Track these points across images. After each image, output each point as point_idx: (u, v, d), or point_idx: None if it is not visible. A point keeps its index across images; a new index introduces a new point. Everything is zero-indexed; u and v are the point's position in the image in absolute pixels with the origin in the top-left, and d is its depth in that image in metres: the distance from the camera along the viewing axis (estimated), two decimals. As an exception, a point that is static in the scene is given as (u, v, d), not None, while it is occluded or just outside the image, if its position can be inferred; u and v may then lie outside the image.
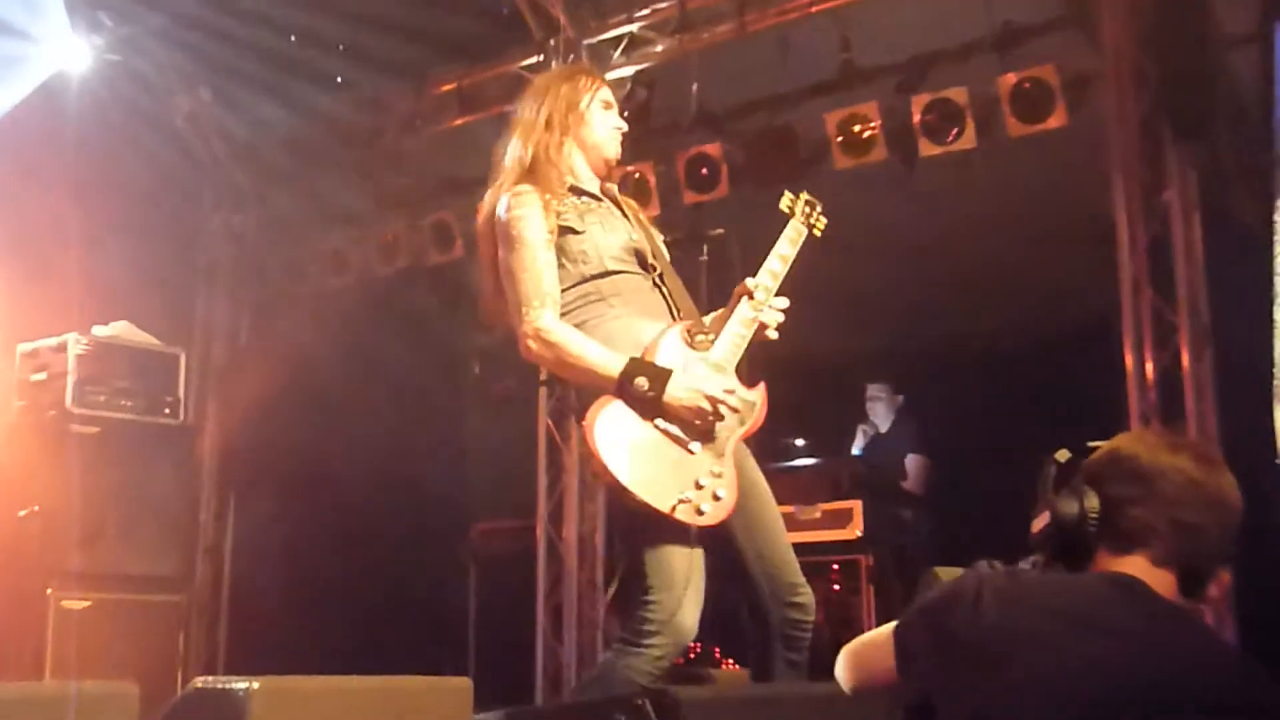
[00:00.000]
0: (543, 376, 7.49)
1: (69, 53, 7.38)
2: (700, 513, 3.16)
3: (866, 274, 7.70)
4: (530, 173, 3.42)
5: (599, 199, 3.49)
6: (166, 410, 6.99)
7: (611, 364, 3.19)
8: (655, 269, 3.43)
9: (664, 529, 3.14)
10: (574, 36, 7.61)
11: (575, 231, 3.35)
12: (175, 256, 8.59)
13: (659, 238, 3.59)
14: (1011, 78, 6.41)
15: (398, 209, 8.52)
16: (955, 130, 6.54)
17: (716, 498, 3.18)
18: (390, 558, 8.60)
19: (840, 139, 6.81)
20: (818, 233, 3.55)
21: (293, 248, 8.89)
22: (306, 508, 8.32)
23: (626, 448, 3.15)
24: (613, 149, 3.58)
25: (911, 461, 7.68)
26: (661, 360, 3.24)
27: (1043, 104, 6.32)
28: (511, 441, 8.08)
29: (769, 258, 3.43)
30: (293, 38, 7.49)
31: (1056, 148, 6.53)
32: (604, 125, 3.56)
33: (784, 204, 3.56)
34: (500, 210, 3.36)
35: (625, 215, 3.51)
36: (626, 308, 3.35)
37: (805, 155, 6.99)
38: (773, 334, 3.34)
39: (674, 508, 3.12)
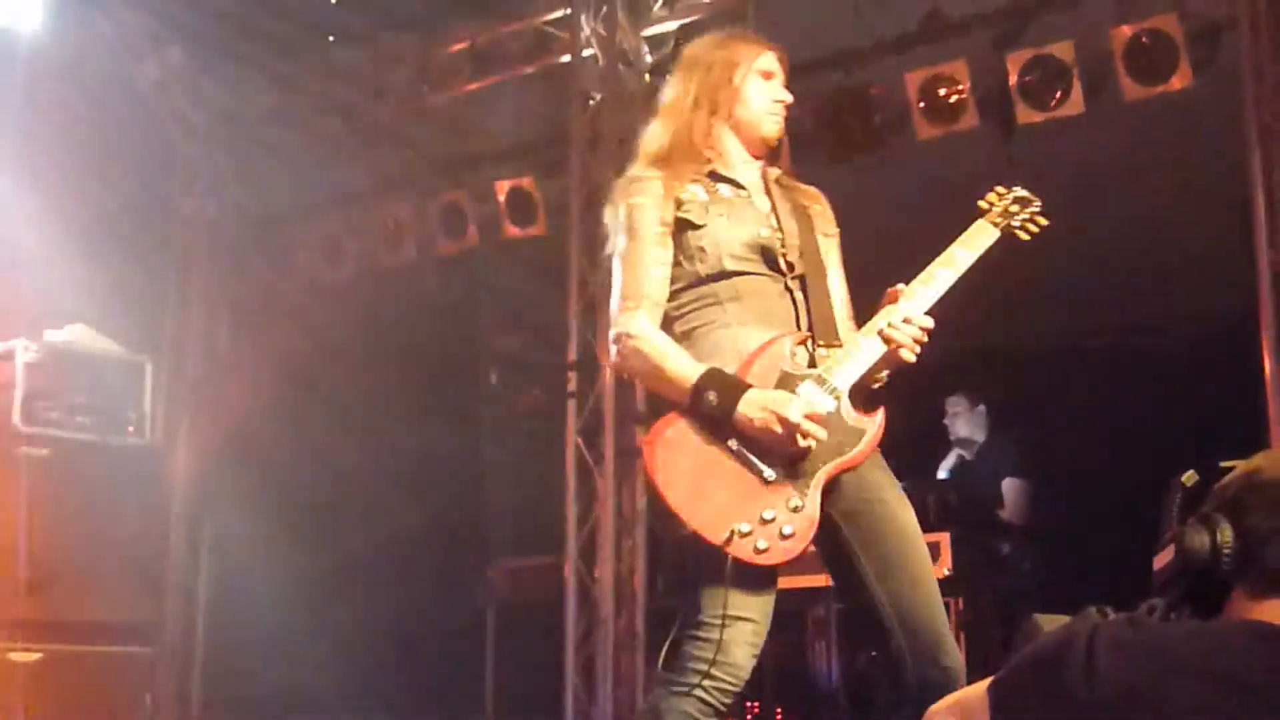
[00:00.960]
0: (571, 387, 7.55)
1: (16, 8, 7.31)
2: (759, 550, 3.20)
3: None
4: (664, 160, 3.56)
5: (741, 187, 3.58)
6: (130, 429, 7.03)
7: (690, 375, 3.30)
8: (792, 270, 3.50)
9: (720, 562, 3.19)
10: (609, -16, 7.67)
11: (695, 225, 3.47)
12: (141, 248, 8.59)
13: (827, 232, 3.66)
14: (1126, 30, 6.38)
15: (402, 189, 8.59)
16: (1059, 93, 6.52)
17: (784, 535, 3.22)
18: (395, 600, 8.63)
19: (923, 103, 6.82)
20: (1025, 235, 3.57)
21: (279, 236, 8.96)
22: (296, 542, 8.34)
23: (686, 468, 3.25)
24: (770, 125, 3.64)
25: (1009, 486, 7.67)
26: (756, 374, 3.33)
27: (1164, 61, 6.29)
28: (536, 464, 8.15)
29: (935, 262, 3.47)
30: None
31: (1180, 113, 6.50)
32: (760, 98, 3.63)
33: (988, 200, 3.60)
34: (617, 196, 3.54)
35: (774, 205, 3.58)
36: (743, 314, 3.45)
37: (882, 122, 7.01)
38: (908, 355, 3.37)
39: (728, 540, 3.18)
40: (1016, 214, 3.57)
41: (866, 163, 7.12)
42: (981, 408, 8.03)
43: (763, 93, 3.63)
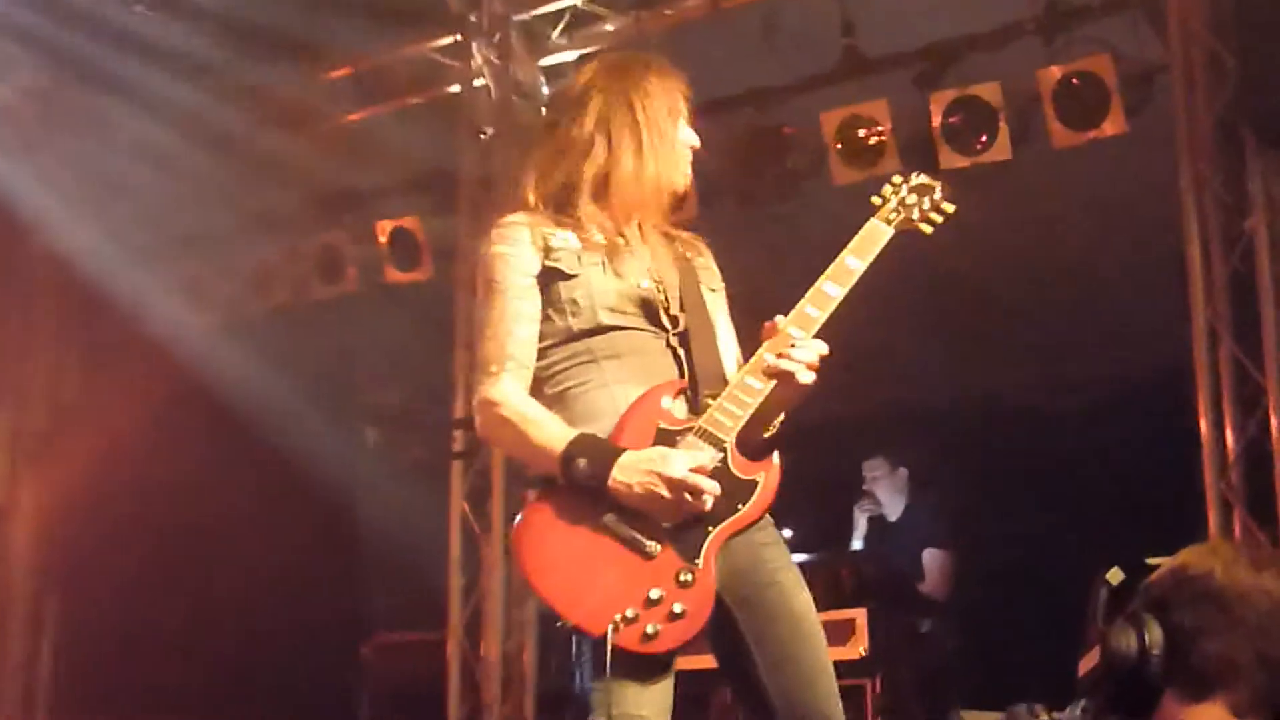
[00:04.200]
0: (457, 447, 7.49)
1: None
2: (648, 637, 3.11)
3: (866, 316, 7.70)
4: (543, 205, 3.47)
5: (618, 233, 3.48)
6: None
7: (558, 443, 3.20)
8: (675, 325, 3.42)
9: (609, 655, 3.10)
10: (502, 11, 7.66)
11: (566, 275, 3.38)
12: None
13: (711, 284, 3.58)
14: (1056, 71, 6.46)
15: (275, 229, 8.55)
16: (985, 137, 6.60)
17: (673, 615, 3.12)
18: (261, 680, 8.44)
19: (840, 145, 6.87)
20: (928, 228, 3.46)
21: (135, 277, 8.82)
22: (150, 616, 8.21)
23: (559, 553, 3.16)
24: (680, 175, 3.55)
25: (930, 557, 7.73)
26: (630, 435, 3.23)
27: (1095, 105, 6.38)
28: (418, 530, 8.06)
29: (822, 277, 3.35)
30: (139, 8, 7.48)
31: (1111, 160, 6.60)
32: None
33: (882, 193, 3.48)
34: (484, 245, 3.45)
35: (654, 254, 3.49)
36: (621, 373, 3.36)
37: (795, 166, 7.06)
38: (804, 377, 3.23)
39: (611, 630, 3.09)
40: (915, 205, 3.46)
41: (779, 209, 7.18)
42: (903, 471, 8.08)
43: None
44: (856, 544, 8.03)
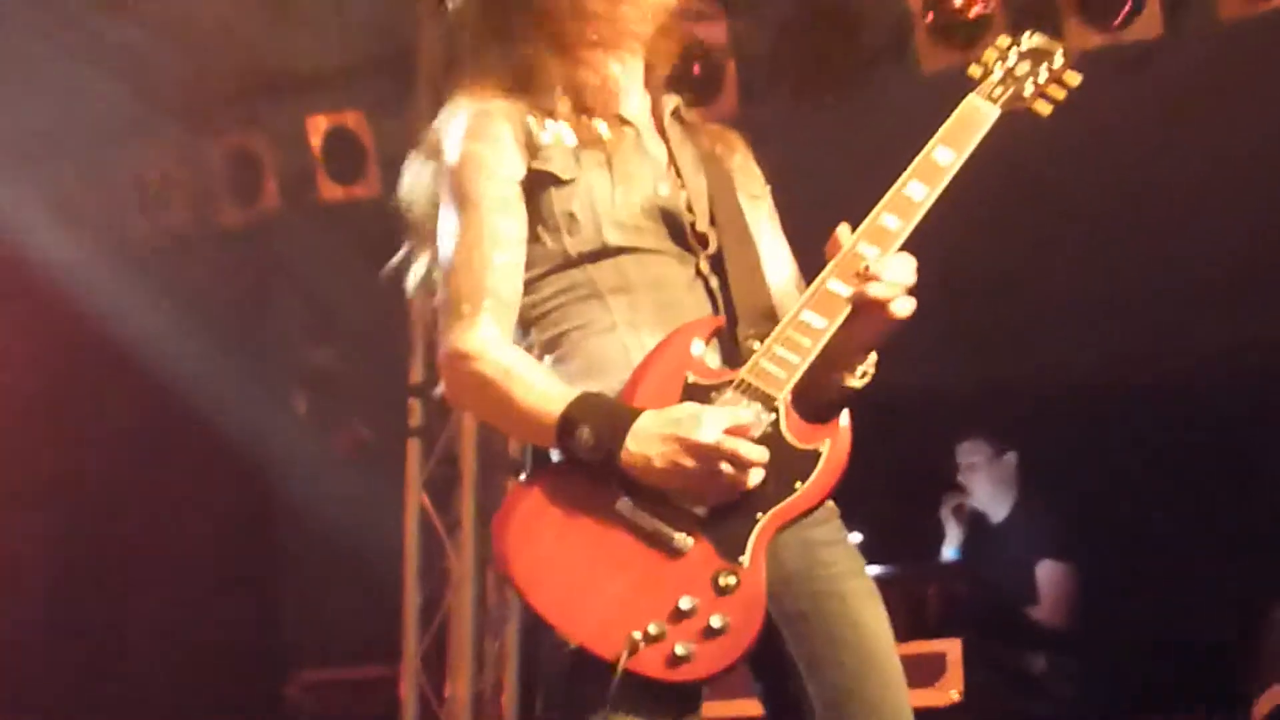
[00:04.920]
0: (414, 420, 7.47)
1: None
2: (678, 659, 3.06)
3: (959, 263, 7.65)
4: (514, 85, 3.46)
5: (625, 122, 3.49)
6: None
7: (554, 406, 3.17)
8: (705, 245, 3.43)
9: (621, 685, 3.06)
10: None
11: (560, 181, 3.37)
12: None
13: (752, 189, 3.61)
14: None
15: (169, 130, 8.51)
16: (1129, 7, 6.50)
17: (711, 631, 3.08)
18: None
19: (930, 19, 6.81)
20: (1046, 108, 3.41)
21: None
22: (16, 638, 8.26)
23: (556, 554, 3.14)
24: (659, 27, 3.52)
25: (1047, 573, 7.76)
26: (648, 392, 3.21)
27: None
28: (361, 532, 8.08)
29: (905, 175, 3.31)
30: None
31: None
32: None
33: (982, 61, 3.44)
34: (443, 140, 3.45)
35: (674, 152, 3.52)
36: (634, 311, 3.35)
37: (872, 46, 6.97)
38: (900, 310, 3.22)
39: (631, 651, 3.05)
40: (1027, 76, 3.42)
41: (849, 103, 7.15)
42: (1011, 457, 8.11)
43: None
44: (947, 553, 8.13)
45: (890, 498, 8.02)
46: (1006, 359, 8.94)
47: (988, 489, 8.07)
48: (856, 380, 3.32)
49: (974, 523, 8.10)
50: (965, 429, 8.21)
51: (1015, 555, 7.78)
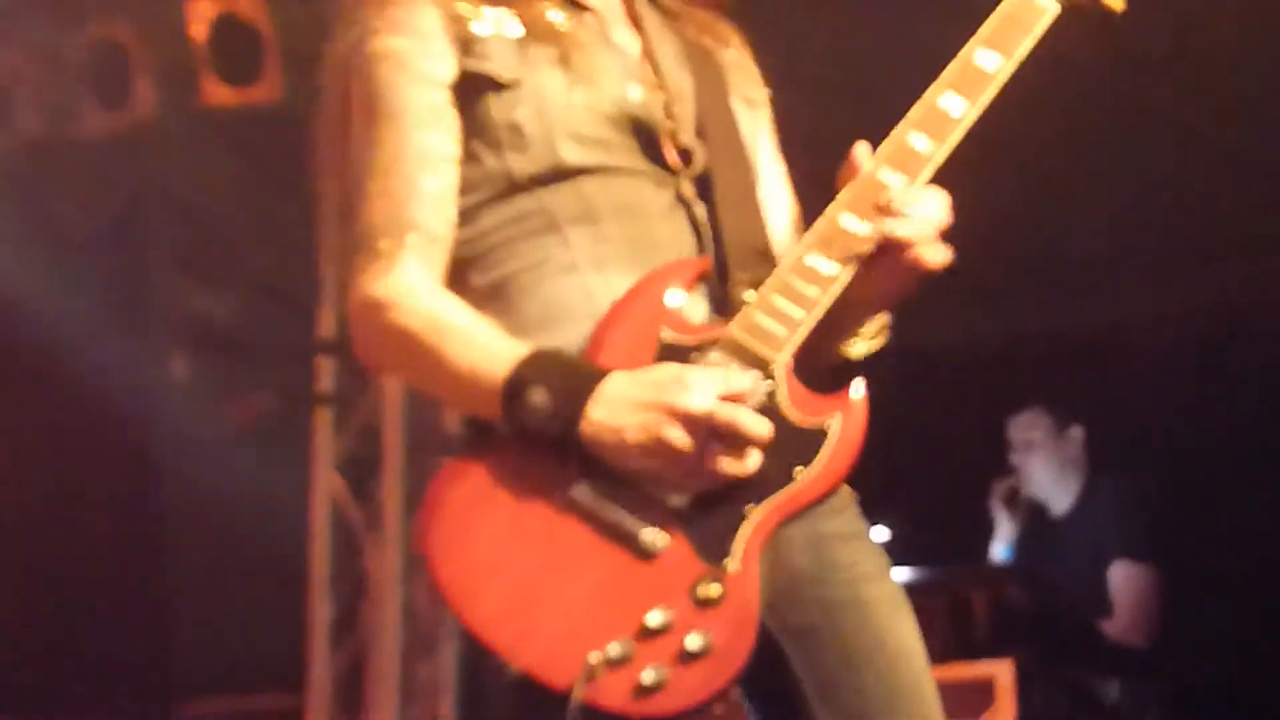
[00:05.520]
0: (324, 384, 7.47)
1: None
2: (645, 689, 3.06)
3: (1009, 187, 7.65)
4: None
5: (582, 7, 3.49)
6: None
7: (497, 365, 3.16)
8: (687, 162, 3.42)
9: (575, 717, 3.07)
10: None
11: (500, 83, 3.35)
12: None
13: (748, 92, 3.62)
14: None
15: (13, 8, 8.44)
16: None
17: (687, 655, 3.08)
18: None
19: None
20: (1117, 4, 3.41)
21: None
22: None
23: (494, 551, 3.15)
24: None
25: (1123, 577, 7.81)
26: (616, 350, 3.22)
27: None
28: (256, 524, 8.13)
29: (931, 90, 3.30)
30: None
31: None
32: None
33: None
34: (355, 33, 3.44)
35: (649, 45, 3.51)
36: (599, 246, 3.35)
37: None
38: (932, 255, 3.22)
39: (585, 679, 3.04)
40: None
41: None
42: (1076, 433, 8.13)
43: None
44: (998, 552, 8.16)
45: (924, 484, 8.07)
46: (1071, 309, 8.95)
47: (1048, 472, 8.13)
48: (863, 345, 3.36)
49: (1031, 514, 8.15)
50: (1020, 397, 8.22)
51: (1082, 555, 7.89)
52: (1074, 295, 9.02)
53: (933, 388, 8.45)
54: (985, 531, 8.14)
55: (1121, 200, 8.51)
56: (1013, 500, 8.21)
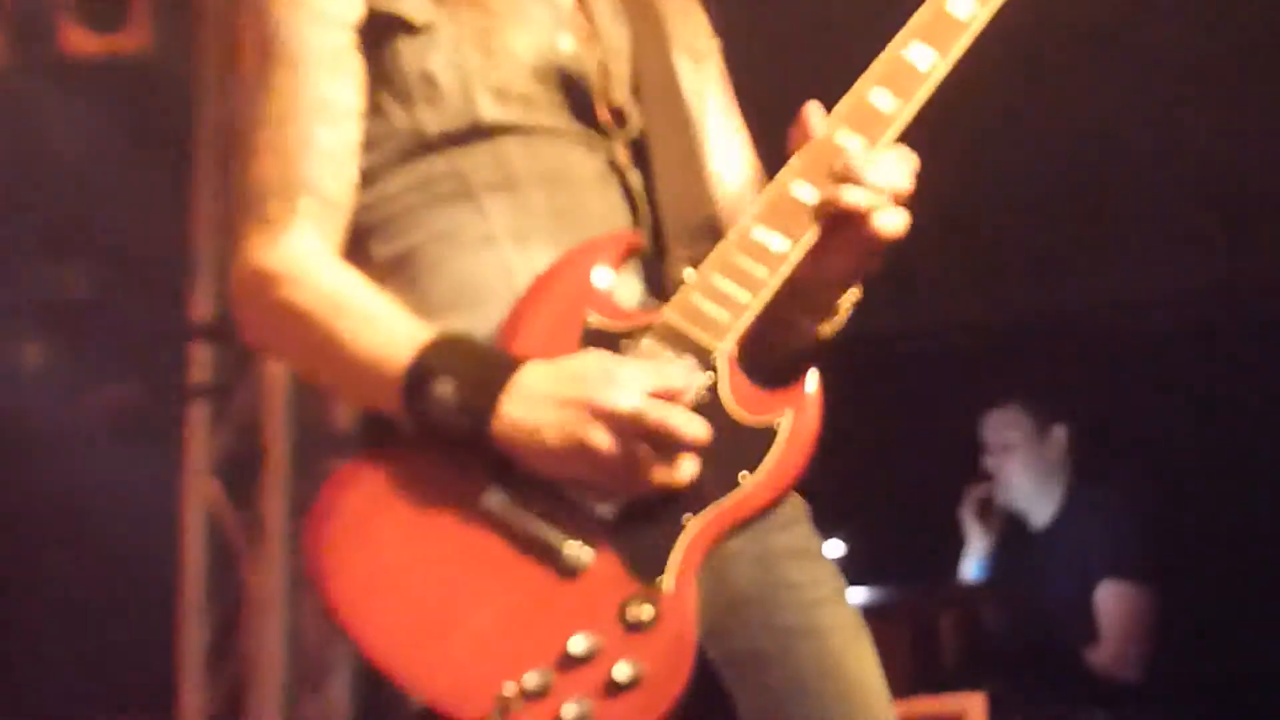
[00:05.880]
0: (198, 376, 7.47)
1: None
2: None
3: (983, 161, 7.69)
4: None
5: None
6: None
7: (398, 351, 3.17)
8: (621, 122, 3.47)
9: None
10: None
11: (411, 26, 3.39)
12: None
13: (694, 41, 3.66)
14: None
15: None
16: None
17: (615, 685, 3.08)
18: None
19: None
20: None
21: None
22: None
23: (393, 568, 3.16)
24: None
25: (1113, 599, 7.87)
26: (533, 332, 3.24)
27: None
28: (123, 538, 8.10)
29: (895, 41, 3.31)
30: None
31: None
32: None
33: None
34: None
35: None
36: (521, 217, 3.38)
37: None
38: (884, 222, 3.20)
39: (499, 715, 3.06)
40: None
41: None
42: (1059, 433, 8.20)
43: None
44: (969, 570, 8.17)
45: (885, 492, 8.09)
46: (1054, 293, 9.00)
47: (1027, 479, 8.20)
48: (832, 325, 3.37)
49: (1007, 526, 8.18)
50: (996, 393, 8.26)
51: (1065, 573, 7.93)
52: (1058, 277, 9.06)
53: (897, 381, 8.49)
54: (955, 546, 8.17)
55: (1113, 171, 8.56)
56: (986, 510, 8.24)
